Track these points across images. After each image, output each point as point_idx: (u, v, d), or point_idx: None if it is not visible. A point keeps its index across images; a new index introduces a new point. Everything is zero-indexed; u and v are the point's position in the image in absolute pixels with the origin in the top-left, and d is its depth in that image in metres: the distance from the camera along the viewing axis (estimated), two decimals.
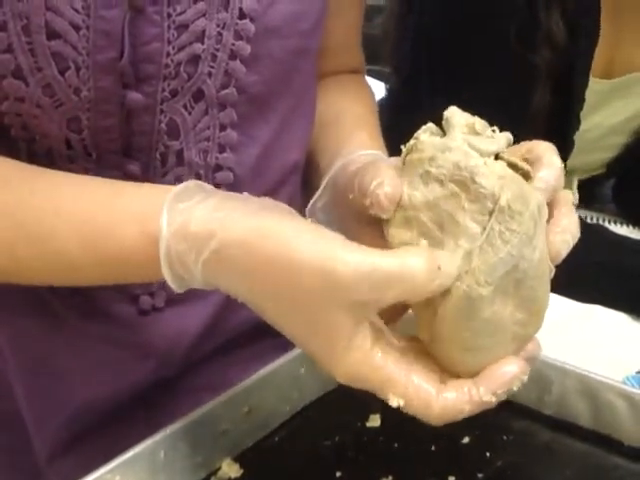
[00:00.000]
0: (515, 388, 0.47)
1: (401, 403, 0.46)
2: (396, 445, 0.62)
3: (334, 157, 0.63)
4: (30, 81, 0.57)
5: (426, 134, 0.49)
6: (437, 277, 0.44)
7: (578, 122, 1.03)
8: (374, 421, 0.64)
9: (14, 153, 0.60)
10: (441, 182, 0.47)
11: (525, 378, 0.48)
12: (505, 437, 0.63)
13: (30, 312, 0.67)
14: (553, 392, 0.64)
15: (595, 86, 1.04)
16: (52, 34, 0.56)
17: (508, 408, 0.65)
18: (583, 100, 1.02)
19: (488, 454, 0.61)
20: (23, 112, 0.59)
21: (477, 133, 0.49)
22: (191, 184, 0.51)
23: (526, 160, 0.50)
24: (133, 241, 0.51)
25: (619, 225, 1.12)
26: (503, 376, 0.47)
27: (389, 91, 1.25)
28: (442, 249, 0.47)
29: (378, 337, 0.47)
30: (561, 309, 0.89)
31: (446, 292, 0.46)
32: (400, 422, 0.64)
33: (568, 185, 1.16)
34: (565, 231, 0.49)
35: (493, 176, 0.46)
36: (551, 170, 0.50)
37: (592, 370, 0.64)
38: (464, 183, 0.46)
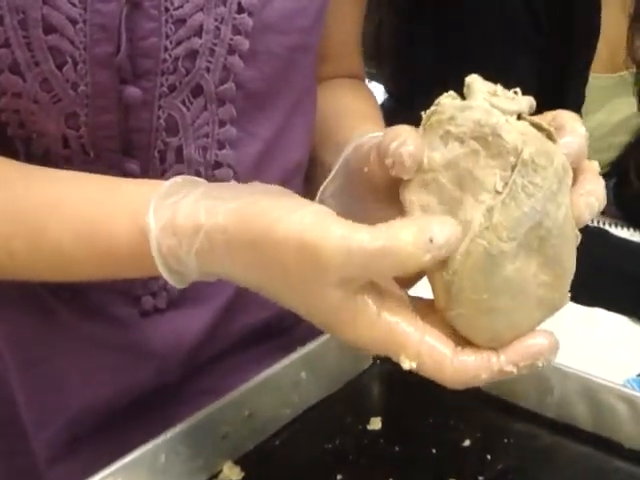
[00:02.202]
0: (540, 364, 0.45)
1: (413, 365, 0.44)
2: (397, 448, 0.62)
3: (343, 145, 0.62)
4: (27, 76, 0.57)
5: (447, 98, 0.48)
6: (428, 250, 0.42)
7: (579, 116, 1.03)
8: (375, 424, 0.65)
9: (11, 154, 0.60)
10: (461, 140, 0.46)
11: (553, 358, 0.46)
12: (506, 440, 0.63)
13: (30, 314, 0.67)
14: (554, 395, 0.64)
15: (596, 82, 1.04)
16: (49, 28, 0.56)
17: (509, 411, 0.65)
18: (582, 95, 1.02)
19: (489, 457, 0.61)
20: (20, 108, 0.58)
21: (498, 95, 0.47)
22: (179, 179, 0.50)
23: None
24: (126, 236, 0.50)
25: (620, 228, 1.12)
26: (529, 348, 0.45)
27: (389, 94, 1.25)
28: (461, 208, 0.45)
29: (384, 301, 0.45)
30: (562, 312, 0.88)
31: (463, 252, 0.45)
32: (401, 425, 0.65)
33: None
34: (590, 194, 0.47)
35: (515, 131, 0.45)
36: (575, 137, 0.48)
37: (593, 373, 0.64)
38: (485, 139, 0.45)
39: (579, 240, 0.47)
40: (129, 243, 0.50)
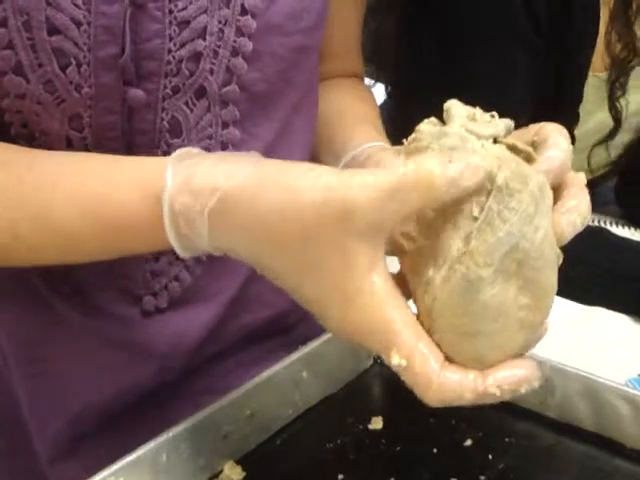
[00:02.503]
0: (523, 390, 0.46)
1: (403, 363, 0.45)
2: (398, 448, 0.62)
3: (341, 151, 0.63)
4: (31, 77, 0.57)
5: (426, 125, 0.48)
6: (453, 179, 0.43)
7: (577, 117, 1.03)
8: (376, 423, 0.64)
9: None
10: None
11: (536, 384, 0.46)
12: (507, 440, 0.63)
13: (31, 313, 0.67)
14: (555, 395, 0.64)
15: (595, 81, 1.04)
16: (53, 30, 0.56)
17: (510, 411, 0.65)
18: (581, 94, 1.02)
19: (490, 457, 0.61)
20: (24, 109, 0.59)
21: (476, 119, 0.48)
22: (191, 148, 0.51)
23: (533, 143, 0.49)
24: (133, 205, 0.50)
25: (621, 227, 1.12)
26: (510, 377, 0.46)
27: (389, 92, 1.25)
28: (443, 234, 0.46)
29: (391, 290, 0.45)
30: (563, 311, 0.88)
31: (442, 278, 0.45)
32: (402, 424, 0.65)
33: None
34: (571, 211, 0.47)
35: (490, 157, 0.45)
36: (556, 152, 0.48)
37: (594, 373, 0.64)
38: None
39: (561, 260, 0.48)
40: (136, 211, 0.50)
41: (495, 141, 0.47)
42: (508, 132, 0.48)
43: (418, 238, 0.47)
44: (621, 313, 0.90)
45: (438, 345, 0.47)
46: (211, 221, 0.47)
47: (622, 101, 1.06)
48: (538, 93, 1.01)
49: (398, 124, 0.76)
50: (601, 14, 1.00)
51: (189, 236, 0.49)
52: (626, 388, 0.63)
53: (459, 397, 0.45)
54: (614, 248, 0.96)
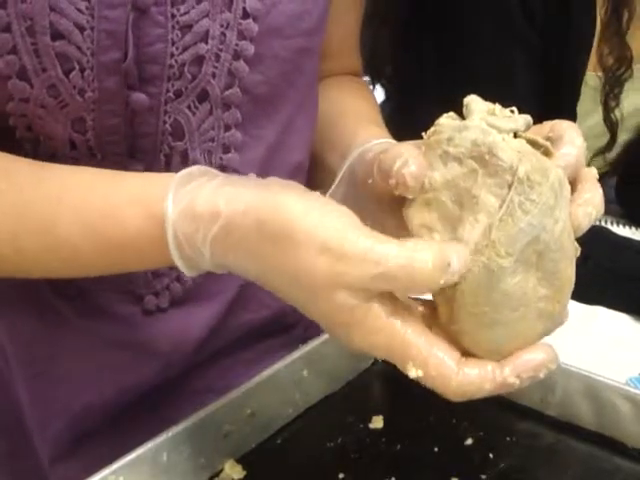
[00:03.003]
0: (542, 375, 0.47)
1: (420, 374, 0.45)
2: (399, 447, 0.62)
3: (347, 149, 0.62)
4: (35, 82, 0.57)
5: (446, 119, 0.49)
6: (444, 274, 0.44)
7: (575, 116, 1.03)
8: (377, 422, 0.64)
9: (19, 155, 0.60)
10: (459, 160, 0.47)
11: (553, 366, 0.47)
12: (508, 439, 0.63)
13: (33, 313, 0.67)
14: (556, 394, 0.64)
15: (593, 81, 1.04)
16: (56, 35, 0.56)
17: (511, 410, 0.65)
18: (578, 93, 1.02)
19: (491, 455, 0.61)
20: (28, 113, 0.59)
21: (495, 114, 0.49)
22: (194, 169, 0.51)
23: (548, 139, 0.50)
24: (137, 225, 0.51)
25: (622, 227, 1.11)
26: (530, 362, 0.46)
27: (388, 94, 1.25)
28: (461, 227, 0.47)
29: (396, 307, 0.46)
30: None
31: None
32: (403, 424, 0.65)
33: None
34: (587, 203, 0.48)
35: (511, 150, 0.46)
36: (572, 147, 0.49)
37: (595, 372, 0.64)
38: (482, 159, 0.46)
39: (579, 252, 0.49)
40: (140, 231, 0.51)
41: (515, 135, 0.48)
42: (527, 127, 0.49)
43: (437, 228, 0.48)
44: (622, 312, 0.90)
45: (456, 336, 0.47)
46: (213, 247, 0.48)
47: (617, 112, 1.06)
48: (537, 92, 1.01)
49: (397, 125, 0.76)
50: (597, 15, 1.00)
51: (193, 258, 0.49)
52: (627, 387, 0.63)
53: (479, 389, 0.46)
54: (615, 247, 0.96)
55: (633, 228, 1.12)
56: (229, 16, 0.60)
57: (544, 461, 0.61)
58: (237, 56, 0.61)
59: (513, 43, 0.99)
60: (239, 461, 0.60)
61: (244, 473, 0.60)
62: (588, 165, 0.51)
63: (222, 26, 0.60)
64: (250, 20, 0.61)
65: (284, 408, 0.64)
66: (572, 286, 0.48)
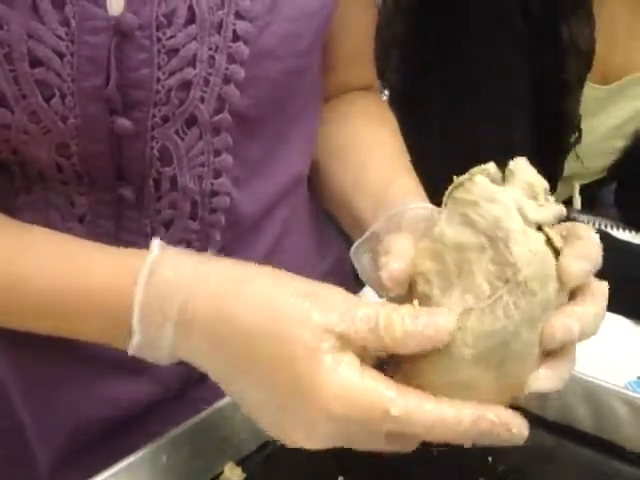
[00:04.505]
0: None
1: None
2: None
3: (379, 201, 0.62)
4: (15, 109, 0.56)
5: (482, 175, 0.47)
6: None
7: (573, 128, 1.03)
8: None
9: (8, 175, 0.61)
10: (476, 230, 0.46)
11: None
12: None
13: (31, 335, 0.66)
14: (555, 397, 0.64)
15: (592, 92, 1.04)
16: (35, 62, 0.55)
17: None
18: (577, 110, 1.02)
19: (490, 459, 0.61)
20: (11, 138, 0.58)
21: (534, 194, 0.47)
22: (155, 253, 0.52)
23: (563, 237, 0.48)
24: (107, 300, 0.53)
25: (622, 231, 1.12)
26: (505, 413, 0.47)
27: (391, 88, 1.25)
28: (450, 294, 0.46)
29: (360, 370, 0.46)
30: None
31: None
32: None
33: (569, 190, 1.16)
34: (571, 316, 0.46)
35: (525, 247, 0.45)
36: (586, 265, 0.46)
37: (594, 375, 0.64)
38: (495, 242, 0.45)
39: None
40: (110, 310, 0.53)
41: (540, 228, 0.46)
42: (557, 220, 0.47)
43: (433, 282, 0.48)
44: (621, 316, 0.90)
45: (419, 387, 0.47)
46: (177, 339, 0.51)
47: (618, 109, 1.07)
48: (537, 96, 1.01)
49: (399, 124, 0.76)
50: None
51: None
52: (626, 391, 0.64)
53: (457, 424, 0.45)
54: (614, 251, 0.96)
55: (633, 232, 1.12)
56: (218, 39, 0.58)
57: (543, 464, 0.62)
58: (227, 80, 0.60)
59: (514, 45, 0.99)
60: (239, 464, 0.60)
61: (244, 476, 0.60)
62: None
63: (211, 49, 0.58)
64: (240, 43, 0.59)
65: None
66: (524, 388, 0.47)
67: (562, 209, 0.47)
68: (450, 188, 0.48)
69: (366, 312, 0.46)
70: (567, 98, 1.01)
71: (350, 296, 0.49)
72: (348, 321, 0.46)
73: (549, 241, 0.46)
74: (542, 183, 0.47)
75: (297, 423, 0.48)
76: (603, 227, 1.12)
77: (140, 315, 0.51)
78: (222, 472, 0.60)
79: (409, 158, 0.70)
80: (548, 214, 0.47)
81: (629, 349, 0.85)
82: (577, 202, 1.16)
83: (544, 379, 0.47)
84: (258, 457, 0.62)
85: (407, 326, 0.45)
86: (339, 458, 0.61)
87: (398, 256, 0.49)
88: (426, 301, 0.48)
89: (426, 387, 0.47)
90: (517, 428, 0.46)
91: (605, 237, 0.99)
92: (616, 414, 0.62)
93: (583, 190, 1.17)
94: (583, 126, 1.05)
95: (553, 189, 1.09)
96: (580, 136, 1.05)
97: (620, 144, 1.13)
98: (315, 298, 0.47)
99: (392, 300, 0.50)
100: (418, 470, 0.61)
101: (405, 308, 0.46)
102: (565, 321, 0.46)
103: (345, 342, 0.46)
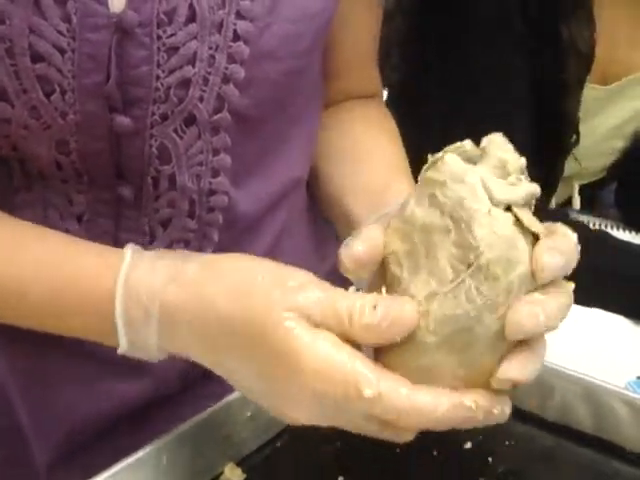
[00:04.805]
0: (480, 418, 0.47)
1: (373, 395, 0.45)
2: (398, 450, 0.62)
3: (372, 210, 0.62)
4: (16, 103, 0.56)
5: (455, 153, 0.46)
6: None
7: (573, 129, 1.03)
8: None
9: (8, 171, 0.61)
10: (442, 212, 0.45)
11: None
12: (507, 442, 0.63)
13: (29, 334, 0.66)
14: (555, 398, 0.64)
15: (592, 92, 1.04)
16: (36, 57, 0.55)
17: (510, 413, 0.65)
18: (577, 110, 1.02)
19: (490, 459, 0.61)
20: (11, 134, 0.58)
21: (506, 173, 0.45)
22: (142, 257, 0.54)
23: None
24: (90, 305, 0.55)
25: (622, 231, 1.12)
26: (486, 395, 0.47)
27: (390, 87, 1.25)
28: (417, 276, 0.45)
29: (337, 346, 0.46)
30: None
31: None
32: None
33: (569, 190, 1.16)
34: (536, 304, 0.44)
35: (488, 229, 0.43)
36: (560, 257, 0.45)
37: (594, 375, 0.64)
38: (459, 223, 0.44)
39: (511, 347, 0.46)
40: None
41: (509, 208, 0.44)
42: (528, 200, 0.45)
43: (403, 262, 0.47)
44: (621, 315, 0.91)
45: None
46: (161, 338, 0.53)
47: (618, 109, 1.07)
48: (537, 97, 1.01)
49: (398, 124, 0.76)
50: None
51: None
52: (625, 391, 0.64)
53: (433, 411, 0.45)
54: (614, 251, 0.96)
55: (632, 232, 1.12)
56: (219, 38, 0.58)
57: (543, 465, 0.62)
58: (226, 80, 0.59)
59: (514, 45, 0.99)
60: (239, 464, 0.60)
61: (244, 476, 0.60)
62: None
63: (211, 49, 0.58)
64: (241, 43, 0.59)
65: None
66: (493, 374, 0.46)
67: (535, 188, 0.45)
68: (425, 167, 0.47)
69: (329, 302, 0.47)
70: (567, 98, 1.01)
71: (318, 280, 0.49)
72: (317, 306, 0.47)
73: (519, 222, 0.44)
74: (517, 161, 0.45)
75: (288, 402, 0.49)
76: (603, 227, 1.12)
77: (122, 309, 0.53)
78: (222, 473, 0.60)
79: (408, 164, 0.70)
80: (518, 193, 0.44)
81: (629, 349, 0.85)
82: (577, 202, 1.16)
83: (513, 367, 0.45)
84: (258, 457, 0.62)
85: (365, 319, 0.45)
86: (339, 458, 0.62)
87: (364, 239, 0.48)
88: (396, 284, 0.47)
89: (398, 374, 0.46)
90: (498, 409, 0.46)
91: (605, 237, 1.00)
92: (616, 414, 0.62)
93: (583, 190, 1.17)
94: (583, 126, 1.05)
95: (553, 189, 1.09)
96: (578, 138, 1.05)
97: (620, 144, 1.13)
98: (284, 279, 0.48)
99: (371, 286, 0.50)
100: (418, 470, 0.61)
101: (368, 297, 0.46)
102: (531, 309, 0.44)
103: (315, 323, 0.47)
